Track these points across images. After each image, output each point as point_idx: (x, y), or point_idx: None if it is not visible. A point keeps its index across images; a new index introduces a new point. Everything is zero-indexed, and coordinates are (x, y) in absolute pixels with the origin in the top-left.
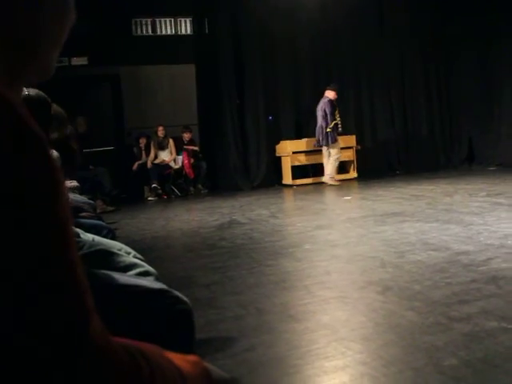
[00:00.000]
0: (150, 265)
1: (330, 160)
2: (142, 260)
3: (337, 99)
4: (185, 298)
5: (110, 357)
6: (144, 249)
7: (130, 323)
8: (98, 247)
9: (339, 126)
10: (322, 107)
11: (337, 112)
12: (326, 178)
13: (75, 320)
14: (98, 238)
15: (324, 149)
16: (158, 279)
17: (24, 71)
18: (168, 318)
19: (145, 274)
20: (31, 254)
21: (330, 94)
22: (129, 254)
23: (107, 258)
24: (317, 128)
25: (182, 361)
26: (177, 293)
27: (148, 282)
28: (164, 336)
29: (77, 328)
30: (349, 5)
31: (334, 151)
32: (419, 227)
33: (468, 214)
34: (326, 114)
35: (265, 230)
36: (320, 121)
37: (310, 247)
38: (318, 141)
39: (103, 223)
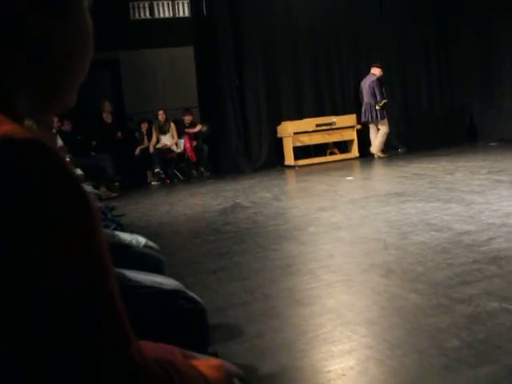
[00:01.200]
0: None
1: (378, 135)
2: (154, 248)
3: (383, 76)
4: (198, 298)
5: (147, 374)
6: (150, 235)
7: (144, 324)
8: (109, 242)
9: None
10: (369, 85)
11: (384, 89)
12: (374, 150)
13: (117, 345)
14: (108, 232)
15: (372, 125)
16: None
17: (50, 105)
18: (182, 318)
19: (158, 263)
20: (70, 287)
21: (376, 71)
22: (140, 243)
23: (119, 253)
24: (363, 104)
25: (206, 367)
26: (190, 293)
27: (161, 280)
28: (179, 336)
29: (118, 352)
30: None
31: (383, 127)
32: (421, 207)
33: (469, 193)
34: (374, 92)
35: (268, 214)
36: (367, 98)
37: (313, 230)
38: (367, 117)
39: (110, 217)
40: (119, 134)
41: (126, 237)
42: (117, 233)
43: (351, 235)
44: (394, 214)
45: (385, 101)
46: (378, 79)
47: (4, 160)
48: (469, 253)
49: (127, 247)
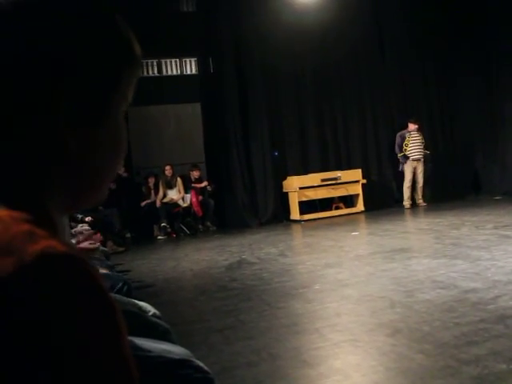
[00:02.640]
0: (164, 309)
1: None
2: (159, 317)
3: (411, 131)
4: (206, 368)
5: None
6: (156, 291)
7: None
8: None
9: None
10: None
11: (405, 143)
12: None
13: None
14: (117, 297)
15: None
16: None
17: (80, 205)
18: None
19: (165, 333)
20: None
21: (409, 126)
22: (147, 312)
23: (129, 320)
24: None
25: None
26: (198, 362)
27: (170, 348)
28: None
29: None
30: (350, 37)
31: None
32: (427, 264)
33: (475, 249)
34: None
35: (274, 270)
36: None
37: (319, 287)
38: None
39: (119, 274)
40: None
41: (135, 304)
42: (126, 299)
43: (357, 293)
44: (400, 270)
45: (403, 153)
46: (402, 134)
47: (43, 277)
48: (475, 311)
49: (137, 315)
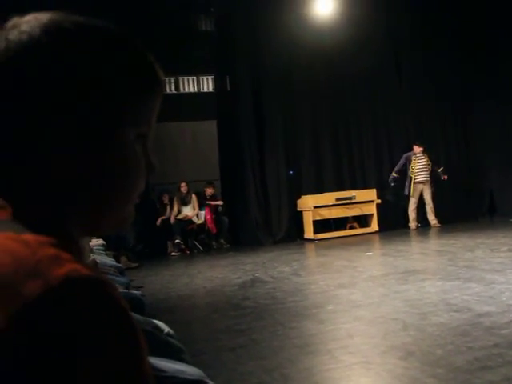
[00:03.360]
0: (176, 326)
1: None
2: (174, 336)
3: (416, 153)
4: None
5: None
6: (170, 308)
7: None
8: None
9: (412, 178)
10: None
11: (412, 165)
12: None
13: None
14: (133, 315)
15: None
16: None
17: (102, 224)
18: None
19: (178, 352)
20: None
21: (414, 149)
22: (162, 331)
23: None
24: None
25: None
26: (211, 383)
27: (184, 368)
28: None
29: None
30: (366, 58)
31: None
32: (441, 286)
33: (489, 272)
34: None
35: (288, 289)
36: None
37: (332, 308)
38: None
39: (132, 292)
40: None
41: (149, 323)
42: (142, 318)
43: (370, 314)
44: (413, 292)
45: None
46: (408, 156)
47: (68, 300)
48: (489, 336)
49: (152, 334)
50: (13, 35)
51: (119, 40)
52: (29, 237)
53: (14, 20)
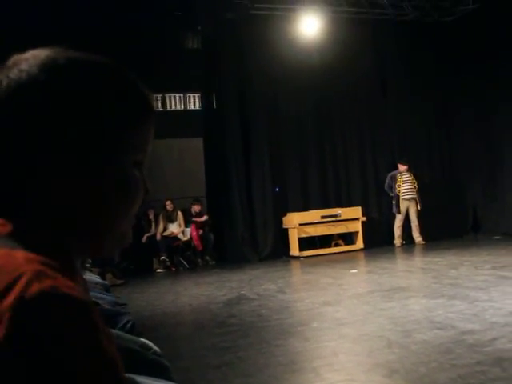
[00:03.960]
0: (162, 343)
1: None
2: (160, 355)
3: (401, 171)
4: None
5: None
6: (155, 326)
7: None
8: (121, 345)
9: (399, 196)
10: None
11: (398, 183)
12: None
13: None
14: (119, 333)
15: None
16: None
17: (100, 246)
18: None
19: (165, 371)
20: None
21: (399, 167)
22: (149, 349)
23: (130, 358)
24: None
25: None
26: None
27: None
28: None
29: None
30: (351, 76)
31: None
32: (425, 303)
33: (473, 289)
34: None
35: (273, 307)
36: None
37: (318, 325)
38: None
39: (122, 311)
40: None
41: (136, 341)
42: (128, 336)
43: (355, 332)
44: (397, 310)
45: (391, 194)
46: (393, 175)
47: (37, 313)
48: (472, 353)
49: (138, 352)
50: (13, 74)
51: (113, 73)
52: (19, 253)
53: (14, 58)
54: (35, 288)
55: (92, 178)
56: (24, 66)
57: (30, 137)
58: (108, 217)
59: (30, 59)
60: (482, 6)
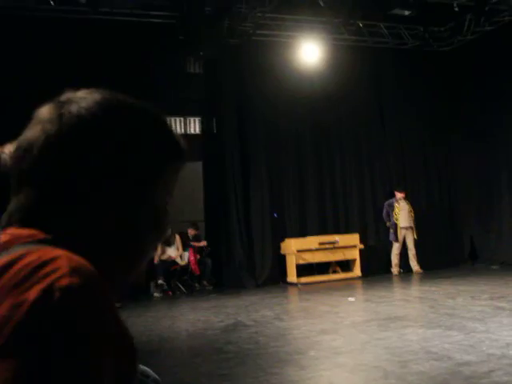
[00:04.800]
0: (158, 369)
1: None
2: (158, 382)
3: (398, 199)
4: None
5: None
6: (151, 351)
7: None
8: None
9: (397, 224)
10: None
11: (395, 212)
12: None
13: None
14: None
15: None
16: None
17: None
18: None
19: None
20: None
21: (396, 194)
22: (148, 377)
23: None
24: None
25: None
26: None
27: None
28: None
29: None
30: (350, 102)
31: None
32: (422, 334)
33: (470, 320)
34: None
35: (270, 334)
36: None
37: (314, 354)
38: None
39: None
40: None
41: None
42: None
43: (352, 361)
44: (394, 339)
45: (389, 223)
46: (390, 203)
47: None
48: None
49: (138, 380)
50: (74, 109)
51: (159, 120)
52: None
53: (69, 95)
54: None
55: (129, 214)
56: (83, 104)
57: (87, 166)
58: (143, 247)
59: (88, 98)
60: (479, 36)
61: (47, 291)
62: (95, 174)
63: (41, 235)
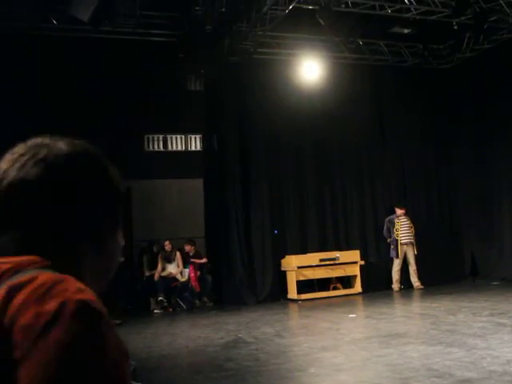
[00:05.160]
0: None
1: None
2: None
3: (399, 215)
4: None
5: None
6: (151, 368)
7: None
8: None
9: (398, 240)
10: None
11: (396, 227)
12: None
13: None
14: None
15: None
16: None
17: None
18: None
19: None
20: None
21: (397, 211)
22: None
23: None
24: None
25: None
26: None
27: None
28: None
29: None
30: (351, 119)
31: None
32: (423, 350)
33: (471, 336)
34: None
35: (270, 351)
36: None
37: (315, 371)
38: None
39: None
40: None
41: None
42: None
43: (352, 379)
44: (395, 356)
45: (390, 239)
46: (391, 219)
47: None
48: None
49: None
50: (51, 154)
51: (99, 162)
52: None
53: (43, 140)
54: (77, 297)
55: (97, 251)
56: (57, 152)
57: (64, 209)
58: (106, 272)
59: (59, 146)
60: (478, 54)
61: (64, 303)
62: (71, 215)
63: (42, 262)
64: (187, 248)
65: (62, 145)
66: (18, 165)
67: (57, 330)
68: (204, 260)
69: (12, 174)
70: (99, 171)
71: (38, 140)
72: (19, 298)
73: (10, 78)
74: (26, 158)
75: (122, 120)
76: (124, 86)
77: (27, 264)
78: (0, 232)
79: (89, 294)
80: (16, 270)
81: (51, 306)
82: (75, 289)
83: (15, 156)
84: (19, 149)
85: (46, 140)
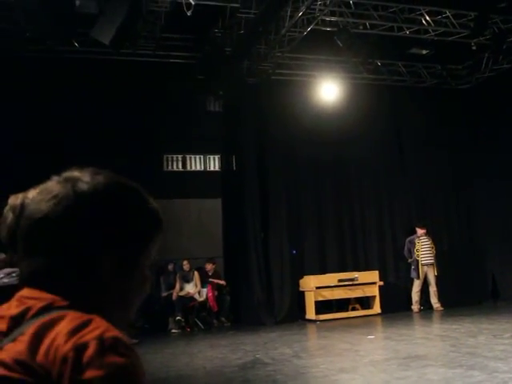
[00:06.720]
0: None
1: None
2: None
3: (419, 236)
4: None
5: None
6: None
7: None
8: None
9: (419, 261)
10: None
11: (416, 248)
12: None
13: None
14: None
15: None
16: None
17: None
18: None
19: None
20: None
21: (418, 231)
22: None
23: None
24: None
25: None
26: None
27: None
28: None
29: None
30: (368, 138)
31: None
32: (443, 373)
33: (492, 359)
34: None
35: (288, 372)
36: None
37: None
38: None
39: None
40: None
41: None
42: None
43: None
44: (415, 379)
45: (411, 259)
46: (411, 240)
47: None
48: None
49: None
50: (84, 187)
51: (145, 198)
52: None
53: (75, 172)
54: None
55: (126, 279)
56: (91, 184)
57: (95, 240)
58: (133, 303)
59: (94, 178)
60: (497, 74)
61: (101, 339)
62: (99, 247)
63: (62, 302)
64: (208, 267)
65: (100, 178)
66: (50, 197)
67: (99, 364)
68: (223, 282)
69: (44, 206)
70: (141, 204)
71: (74, 173)
72: (51, 335)
73: (33, 99)
74: (61, 191)
75: (142, 140)
76: (143, 107)
77: (52, 301)
78: (27, 257)
79: (117, 332)
80: (43, 307)
81: (88, 339)
82: (106, 326)
83: (50, 187)
84: (54, 181)
85: (80, 173)
